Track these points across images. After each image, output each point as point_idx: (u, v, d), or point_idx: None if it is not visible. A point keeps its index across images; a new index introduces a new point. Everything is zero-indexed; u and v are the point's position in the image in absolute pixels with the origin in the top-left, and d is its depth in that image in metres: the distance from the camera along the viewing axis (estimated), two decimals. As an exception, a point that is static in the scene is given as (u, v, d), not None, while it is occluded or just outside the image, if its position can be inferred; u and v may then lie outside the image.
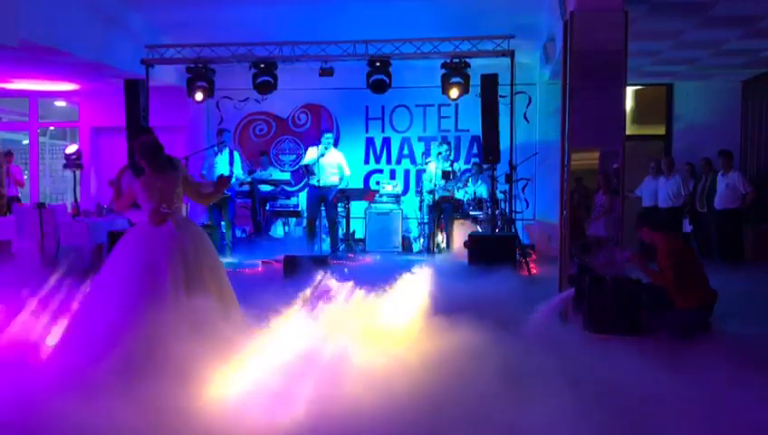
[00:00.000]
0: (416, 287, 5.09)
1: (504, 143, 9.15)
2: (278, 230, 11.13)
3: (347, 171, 10.00)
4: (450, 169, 9.56)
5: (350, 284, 5.00)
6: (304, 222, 10.50)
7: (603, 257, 6.18)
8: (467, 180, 10.39)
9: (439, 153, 9.67)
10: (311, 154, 9.92)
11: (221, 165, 9.76)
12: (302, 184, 10.22)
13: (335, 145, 10.68)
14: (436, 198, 9.65)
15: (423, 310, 4.84)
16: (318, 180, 9.66)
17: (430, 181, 9.83)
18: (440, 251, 9.84)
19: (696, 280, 5.32)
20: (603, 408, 3.37)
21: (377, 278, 5.26)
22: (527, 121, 11.28)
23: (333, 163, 9.82)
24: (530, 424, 3.17)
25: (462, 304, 5.34)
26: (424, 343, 4.35)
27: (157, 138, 4.91)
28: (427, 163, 10.09)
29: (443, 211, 9.67)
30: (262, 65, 9.60)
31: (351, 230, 10.13)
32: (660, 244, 5.44)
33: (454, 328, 4.50)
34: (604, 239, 7.42)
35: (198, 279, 4.09)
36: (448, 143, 9.93)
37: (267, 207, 10.95)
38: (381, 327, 4.58)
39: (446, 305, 4.98)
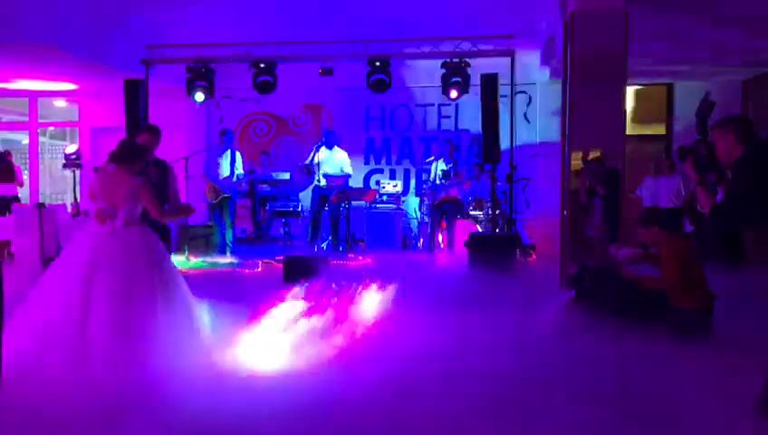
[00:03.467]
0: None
1: (504, 143, 9.15)
2: (278, 230, 11.13)
3: (347, 170, 9.94)
4: (453, 169, 9.56)
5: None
6: (308, 221, 10.48)
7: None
8: (468, 181, 10.37)
9: (441, 154, 9.71)
10: (312, 154, 9.93)
11: (223, 165, 9.76)
12: (311, 185, 10.17)
13: (338, 145, 10.60)
14: (438, 198, 9.64)
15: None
16: (319, 180, 9.65)
17: (431, 180, 9.83)
18: (441, 250, 9.82)
19: (697, 281, 5.31)
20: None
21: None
22: (527, 121, 11.28)
23: (336, 163, 9.80)
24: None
25: (463, 303, 5.37)
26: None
27: (144, 140, 4.95)
28: (429, 162, 10.09)
29: (445, 212, 9.67)
30: (262, 65, 9.59)
31: (352, 230, 10.12)
32: (666, 244, 5.41)
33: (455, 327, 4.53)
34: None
35: (113, 284, 4.00)
36: (450, 143, 9.94)
37: (267, 207, 10.94)
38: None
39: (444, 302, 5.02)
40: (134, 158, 4.37)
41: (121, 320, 3.87)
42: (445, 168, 9.58)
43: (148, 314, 3.95)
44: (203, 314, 4.45)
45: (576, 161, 7.21)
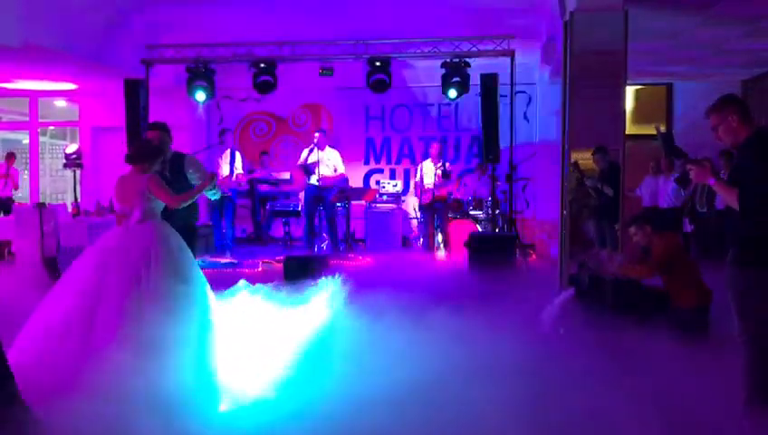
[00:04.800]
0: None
1: (503, 143, 9.15)
2: (278, 230, 11.13)
3: (340, 168, 9.88)
4: (444, 169, 9.58)
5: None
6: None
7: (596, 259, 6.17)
8: (462, 178, 10.37)
9: (430, 154, 9.75)
10: (304, 154, 9.87)
11: (223, 165, 9.75)
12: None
13: (333, 145, 10.58)
14: (429, 198, 9.66)
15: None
16: (317, 180, 9.63)
17: (421, 181, 9.85)
18: (439, 250, 9.83)
19: (693, 279, 5.33)
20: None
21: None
22: (527, 121, 11.28)
23: (329, 162, 9.77)
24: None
25: (462, 303, 5.37)
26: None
27: (153, 136, 4.93)
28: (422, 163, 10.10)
29: (436, 211, 9.68)
30: (262, 65, 9.59)
31: (352, 230, 10.12)
32: (659, 243, 5.44)
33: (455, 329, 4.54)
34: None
35: (120, 286, 3.84)
36: (438, 143, 9.97)
37: (267, 207, 10.94)
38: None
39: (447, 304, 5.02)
40: (146, 157, 4.32)
41: (127, 325, 3.70)
42: (435, 168, 9.61)
43: (156, 316, 3.74)
44: (220, 313, 4.25)
45: (584, 161, 7.19)
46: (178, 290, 3.90)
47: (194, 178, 5.24)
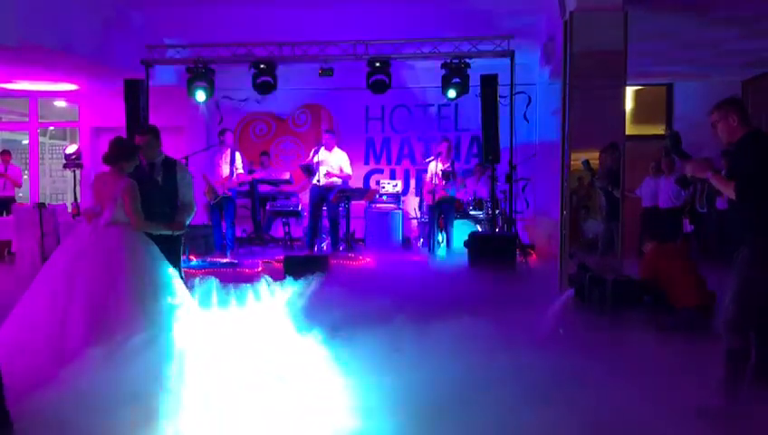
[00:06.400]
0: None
1: (504, 143, 9.15)
2: (278, 230, 11.13)
3: (346, 169, 9.91)
4: (451, 168, 9.56)
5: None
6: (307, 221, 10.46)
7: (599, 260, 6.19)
8: (464, 179, 10.37)
9: (440, 153, 9.70)
10: (311, 155, 9.93)
11: (223, 165, 9.74)
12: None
13: (337, 145, 10.58)
14: (437, 198, 9.65)
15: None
16: (318, 180, 9.64)
17: (430, 180, 9.84)
18: (440, 250, 9.82)
19: (686, 282, 5.35)
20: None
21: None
22: (527, 121, 11.27)
23: (334, 163, 9.78)
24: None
25: (463, 303, 5.38)
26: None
27: (141, 140, 4.91)
28: (427, 162, 10.09)
29: (443, 211, 9.68)
30: (262, 65, 9.59)
31: (352, 230, 10.12)
32: (654, 248, 5.54)
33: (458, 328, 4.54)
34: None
35: (88, 286, 3.89)
36: (448, 141, 9.94)
37: (267, 207, 10.93)
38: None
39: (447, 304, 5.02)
40: (121, 157, 4.30)
41: (93, 324, 3.76)
42: (442, 167, 9.59)
43: (120, 318, 3.79)
44: (188, 324, 4.06)
45: (595, 161, 7.18)
46: (143, 294, 3.94)
47: (182, 185, 5.20)
